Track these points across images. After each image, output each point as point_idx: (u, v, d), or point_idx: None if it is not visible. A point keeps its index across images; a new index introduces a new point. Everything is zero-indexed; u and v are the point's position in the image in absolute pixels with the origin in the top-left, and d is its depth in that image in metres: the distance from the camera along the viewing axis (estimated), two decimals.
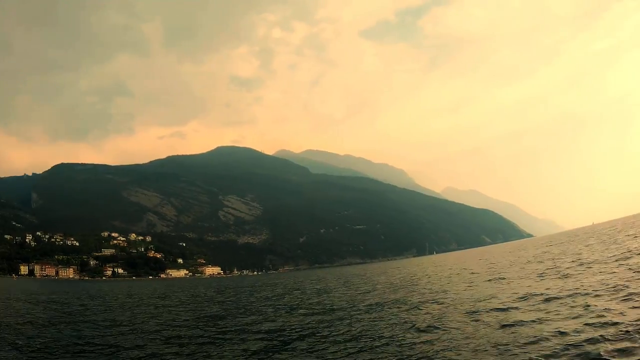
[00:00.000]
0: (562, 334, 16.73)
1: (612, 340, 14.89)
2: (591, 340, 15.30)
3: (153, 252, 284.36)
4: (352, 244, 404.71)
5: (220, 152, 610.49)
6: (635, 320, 16.45)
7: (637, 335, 14.86)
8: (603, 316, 18.14)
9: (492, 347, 16.81)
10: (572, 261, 46.42)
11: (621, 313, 18.18)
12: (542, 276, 36.53)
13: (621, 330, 15.73)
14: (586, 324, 17.46)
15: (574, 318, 18.76)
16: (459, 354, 16.50)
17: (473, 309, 25.19)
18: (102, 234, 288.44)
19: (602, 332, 15.97)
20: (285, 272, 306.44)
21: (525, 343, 16.47)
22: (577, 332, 16.54)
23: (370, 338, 21.36)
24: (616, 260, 36.41)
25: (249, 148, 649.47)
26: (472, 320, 22.29)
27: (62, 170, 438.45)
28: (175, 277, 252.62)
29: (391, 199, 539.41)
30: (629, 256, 37.53)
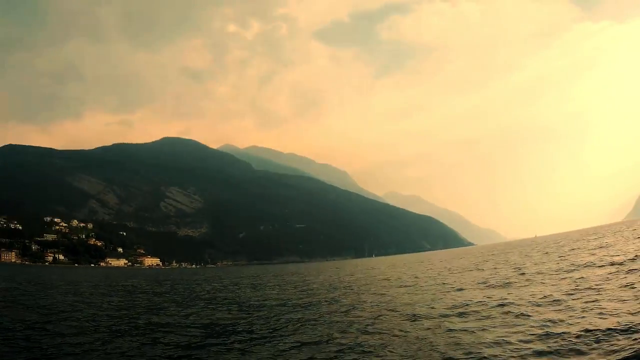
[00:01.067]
0: (502, 343, 16.88)
1: (553, 352, 15.17)
2: (533, 351, 15.56)
3: (94, 239, 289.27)
4: (291, 242, 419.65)
5: (166, 142, 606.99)
6: (576, 332, 16.81)
7: (577, 347, 15.26)
8: (544, 327, 18.38)
9: (422, 351, 17.05)
10: (514, 269, 48.67)
11: (560, 323, 18.64)
12: (483, 284, 37.02)
13: (561, 341, 16.15)
14: (526, 334, 17.70)
15: (512, 327, 19.01)
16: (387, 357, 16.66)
17: (411, 312, 25.54)
18: (45, 218, 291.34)
19: (542, 343, 16.26)
20: (224, 266, 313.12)
21: (464, 352, 16.42)
22: (521, 341, 16.73)
23: (293, 335, 21.82)
24: (558, 272, 37.51)
25: (194, 140, 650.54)
26: (409, 323, 22.66)
27: (8, 152, 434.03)
28: (115, 266, 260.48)
29: (332, 199, 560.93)
30: (572, 269, 38.53)
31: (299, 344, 19.40)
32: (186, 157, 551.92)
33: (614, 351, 13.93)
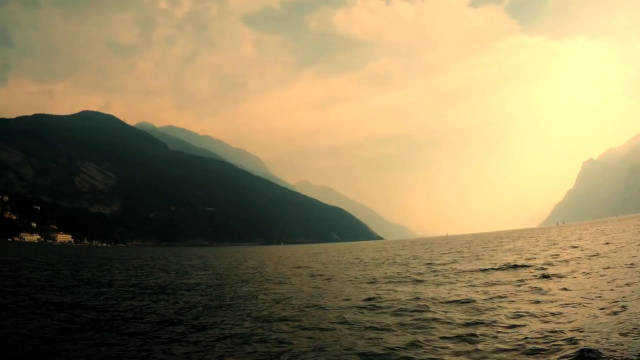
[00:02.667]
0: (413, 340, 16.50)
1: (459, 350, 15.15)
2: (444, 349, 15.44)
3: (9, 213, 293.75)
4: (200, 225, 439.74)
5: (85, 116, 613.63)
6: (483, 332, 16.90)
7: (487, 345, 15.35)
8: (453, 325, 18.44)
9: (324, 342, 16.89)
10: (426, 264, 50.98)
11: (470, 322, 18.75)
12: (392, 279, 36.96)
13: (468, 339, 16.24)
14: (435, 332, 17.58)
15: (420, 328, 18.41)
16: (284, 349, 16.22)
17: (314, 304, 25.29)
18: None
19: (452, 343, 16.03)
20: (133, 246, 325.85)
21: (369, 344, 16.33)
22: (428, 341, 16.32)
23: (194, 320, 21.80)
24: (471, 272, 38.34)
25: (113, 116, 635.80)
26: (314, 314, 22.64)
27: None
28: (28, 242, 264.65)
29: (244, 185, 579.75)
30: (485, 268, 39.67)
31: (195, 330, 19.33)
32: (103, 133, 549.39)
33: (530, 353, 14.01)
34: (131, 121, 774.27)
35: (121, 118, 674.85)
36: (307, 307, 24.65)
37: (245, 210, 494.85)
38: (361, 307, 23.61)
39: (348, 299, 26.83)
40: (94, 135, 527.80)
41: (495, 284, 29.97)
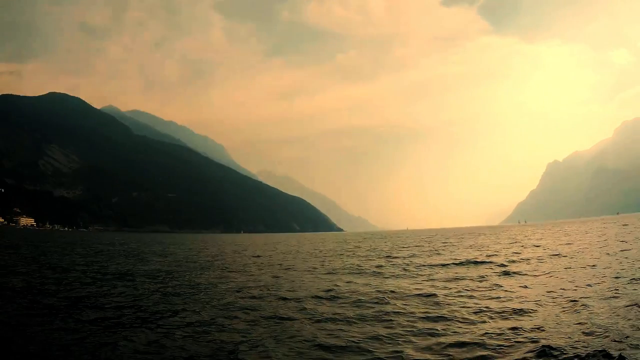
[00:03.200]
0: (372, 332, 16.42)
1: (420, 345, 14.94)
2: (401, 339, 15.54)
3: None
4: (162, 211, 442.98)
5: (52, 98, 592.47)
6: (445, 326, 16.99)
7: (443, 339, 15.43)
8: (413, 319, 18.34)
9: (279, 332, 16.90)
10: (386, 257, 51.07)
11: (429, 316, 18.83)
12: (352, 271, 37.12)
13: (429, 333, 16.29)
14: (395, 325, 17.48)
15: (380, 321, 18.27)
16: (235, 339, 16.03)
17: (274, 294, 25.38)
18: None
19: (413, 335, 16.00)
20: (95, 231, 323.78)
21: (329, 335, 16.34)
22: (392, 334, 16.11)
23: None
24: (431, 266, 38.78)
25: (79, 99, 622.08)
26: (274, 304, 22.55)
27: None
28: None
29: (207, 172, 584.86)
30: (445, 263, 40.29)
31: (155, 317, 19.22)
32: (70, 115, 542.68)
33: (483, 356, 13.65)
34: (98, 104, 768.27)
35: (88, 101, 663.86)
36: (267, 296, 24.70)
37: (207, 198, 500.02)
38: (321, 298, 23.79)
39: (308, 289, 26.96)
40: (61, 117, 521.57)
41: (456, 279, 30.23)
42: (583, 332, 15.08)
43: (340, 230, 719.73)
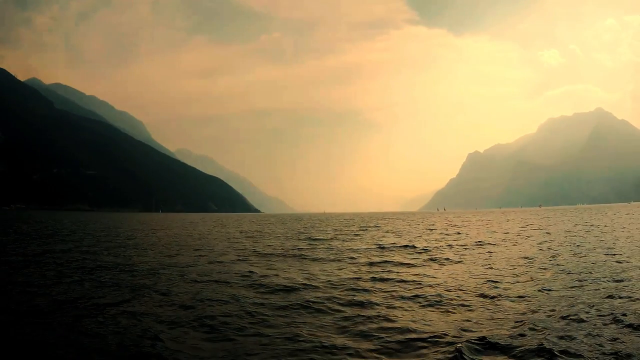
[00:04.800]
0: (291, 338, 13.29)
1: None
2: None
3: None
4: (82, 189, 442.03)
5: None
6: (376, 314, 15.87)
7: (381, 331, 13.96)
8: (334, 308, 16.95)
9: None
10: (307, 240, 51.39)
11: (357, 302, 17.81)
12: (272, 254, 35.93)
13: (351, 319, 15.27)
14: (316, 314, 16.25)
15: (302, 307, 17.05)
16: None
17: (189, 277, 23.79)
18: None
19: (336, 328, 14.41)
20: (16, 209, 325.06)
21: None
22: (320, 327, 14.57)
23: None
24: (351, 250, 38.36)
25: (4, 69, 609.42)
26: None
27: None
28: None
29: (126, 149, 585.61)
30: (367, 248, 40.41)
31: (70, 299, 17.86)
32: None
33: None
34: (22, 76, 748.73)
35: (13, 72, 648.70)
36: (182, 280, 22.97)
37: (125, 176, 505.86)
38: (239, 282, 22.16)
39: (227, 272, 25.47)
40: None
41: (382, 263, 29.19)
42: (518, 322, 14.56)
43: (257, 211, 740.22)
